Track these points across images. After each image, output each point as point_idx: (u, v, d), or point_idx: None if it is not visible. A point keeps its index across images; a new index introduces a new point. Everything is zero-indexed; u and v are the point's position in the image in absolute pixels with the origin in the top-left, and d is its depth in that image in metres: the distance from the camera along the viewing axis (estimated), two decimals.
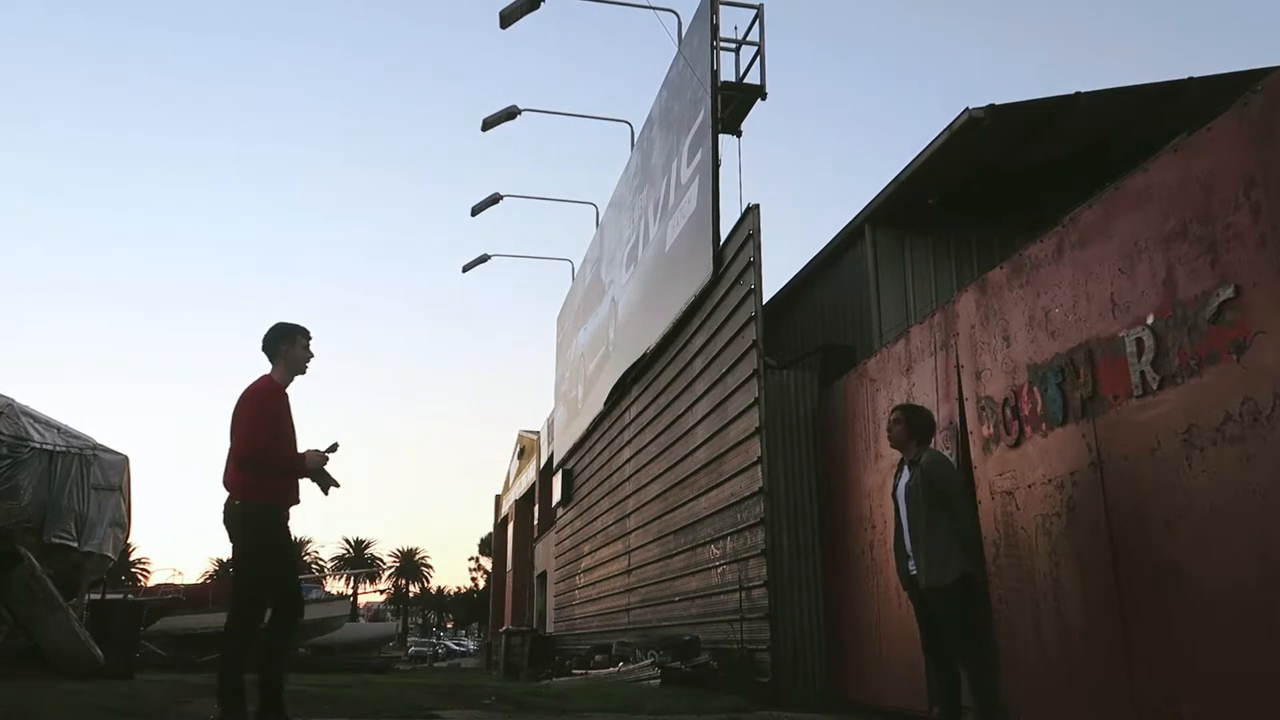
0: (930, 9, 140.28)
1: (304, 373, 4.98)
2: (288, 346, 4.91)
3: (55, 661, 9.26)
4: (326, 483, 4.88)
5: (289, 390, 4.94)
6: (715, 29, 10.44)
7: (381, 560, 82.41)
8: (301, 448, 4.87)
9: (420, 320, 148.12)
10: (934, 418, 5.49)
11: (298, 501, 4.85)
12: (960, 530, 4.98)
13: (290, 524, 4.86)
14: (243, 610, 4.68)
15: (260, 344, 4.93)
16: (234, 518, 4.69)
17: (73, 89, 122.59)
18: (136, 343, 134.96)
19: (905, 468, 5.20)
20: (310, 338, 5.00)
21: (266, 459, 4.70)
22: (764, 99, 10.50)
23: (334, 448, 4.89)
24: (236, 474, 4.72)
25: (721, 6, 10.53)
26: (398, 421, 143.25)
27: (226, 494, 4.74)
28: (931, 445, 5.34)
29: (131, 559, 58.77)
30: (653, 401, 12.09)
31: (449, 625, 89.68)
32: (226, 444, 4.79)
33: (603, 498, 14.79)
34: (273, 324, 4.96)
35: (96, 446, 11.98)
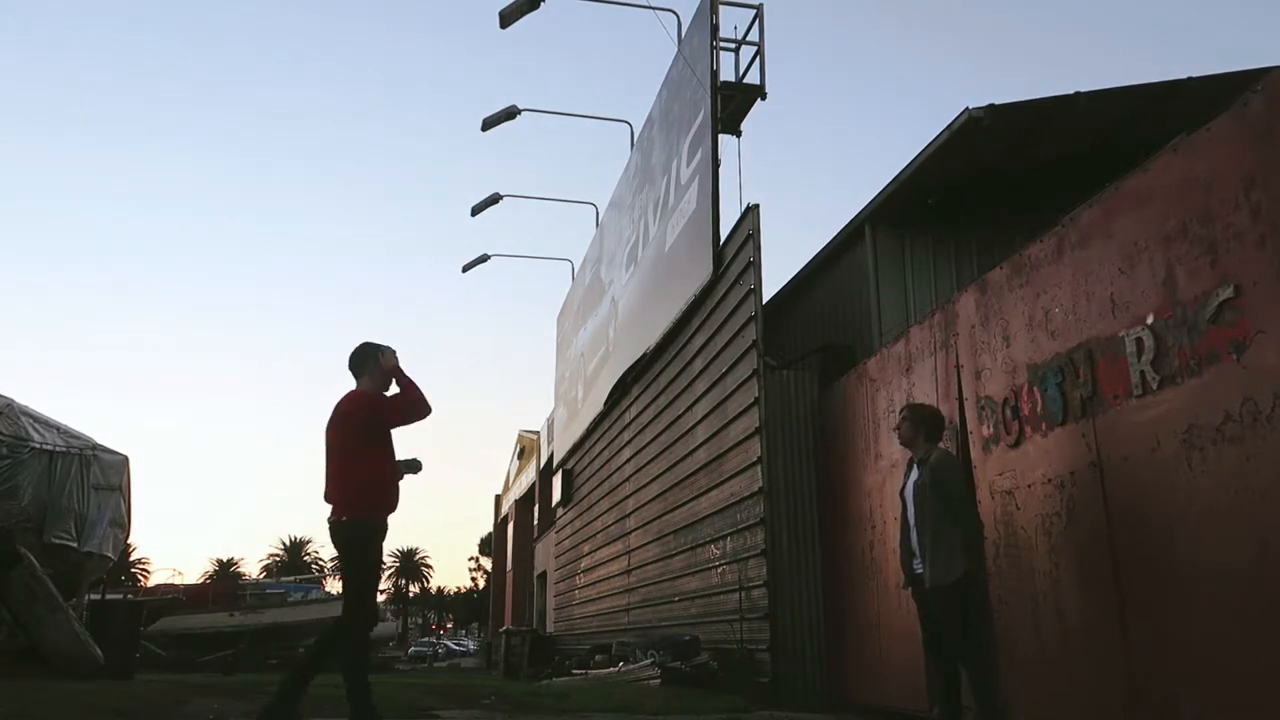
0: (931, 9, 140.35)
1: (388, 390, 5.09)
2: (374, 364, 5.05)
3: (55, 661, 9.26)
4: (413, 468, 5.16)
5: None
6: (715, 29, 10.44)
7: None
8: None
9: (420, 320, 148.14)
10: (941, 415, 5.51)
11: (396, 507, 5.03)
12: (964, 530, 5.00)
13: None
14: (357, 620, 4.82)
15: (347, 361, 5.09)
16: (343, 535, 4.82)
17: (69, 88, 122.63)
18: (137, 342, 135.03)
19: (914, 466, 5.22)
20: (395, 354, 5.13)
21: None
22: (764, 99, 10.50)
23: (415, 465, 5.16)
24: (346, 490, 4.84)
25: (721, 6, 10.54)
26: None
27: (333, 511, 4.84)
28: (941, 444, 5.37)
29: (131, 559, 58.73)
30: (653, 401, 12.10)
31: (449, 625, 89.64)
32: (325, 461, 4.96)
33: (603, 498, 14.79)
34: (360, 343, 5.12)
35: (96, 446, 11.98)
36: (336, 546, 4.89)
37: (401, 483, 5.05)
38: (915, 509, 5.13)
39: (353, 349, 5.12)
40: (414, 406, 5.01)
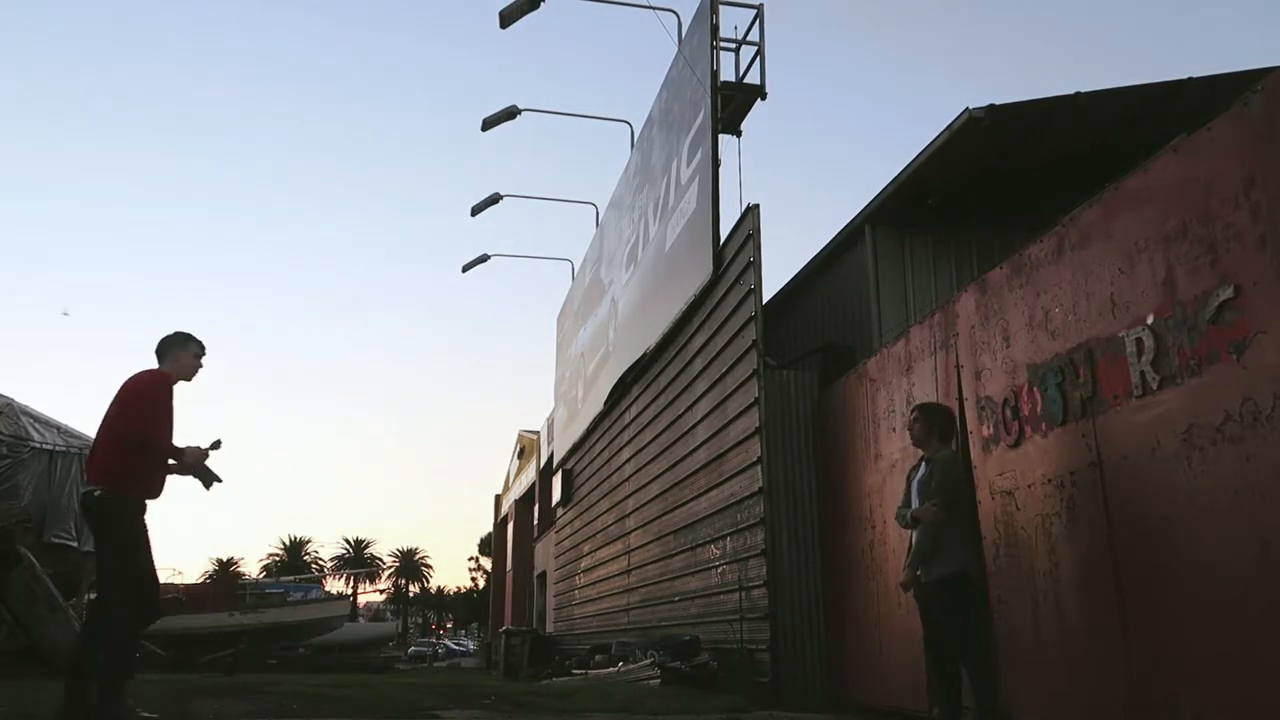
0: (931, 8, 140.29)
1: (189, 380, 5.15)
2: (180, 351, 5.09)
3: (55, 661, 9.26)
4: (209, 478, 5.01)
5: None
6: (715, 29, 10.44)
7: (381, 560, 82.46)
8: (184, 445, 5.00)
9: (420, 320, 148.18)
10: (954, 416, 5.55)
11: (158, 495, 4.96)
12: (963, 528, 5.03)
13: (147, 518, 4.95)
14: (121, 605, 4.73)
15: (155, 346, 5.09)
16: (99, 509, 4.77)
17: (70, 90, 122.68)
18: (137, 343, 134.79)
19: (922, 464, 5.27)
20: (204, 351, 5.18)
21: (153, 443, 4.82)
22: (764, 99, 10.50)
23: (216, 444, 5.03)
24: (108, 460, 4.79)
25: (721, 6, 10.53)
26: (398, 421, 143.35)
27: (89, 483, 4.80)
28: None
29: None
30: (653, 401, 12.10)
31: (449, 625, 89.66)
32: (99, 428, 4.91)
33: (603, 498, 14.79)
34: (172, 330, 5.15)
35: None
36: (88, 520, 4.86)
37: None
38: (919, 505, 5.17)
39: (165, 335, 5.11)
40: (158, 445, 4.85)
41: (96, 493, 4.74)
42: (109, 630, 4.67)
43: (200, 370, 5.17)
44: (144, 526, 4.88)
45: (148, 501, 4.91)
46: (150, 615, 4.95)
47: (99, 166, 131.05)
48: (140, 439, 4.78)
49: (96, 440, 4.92)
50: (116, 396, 4.90)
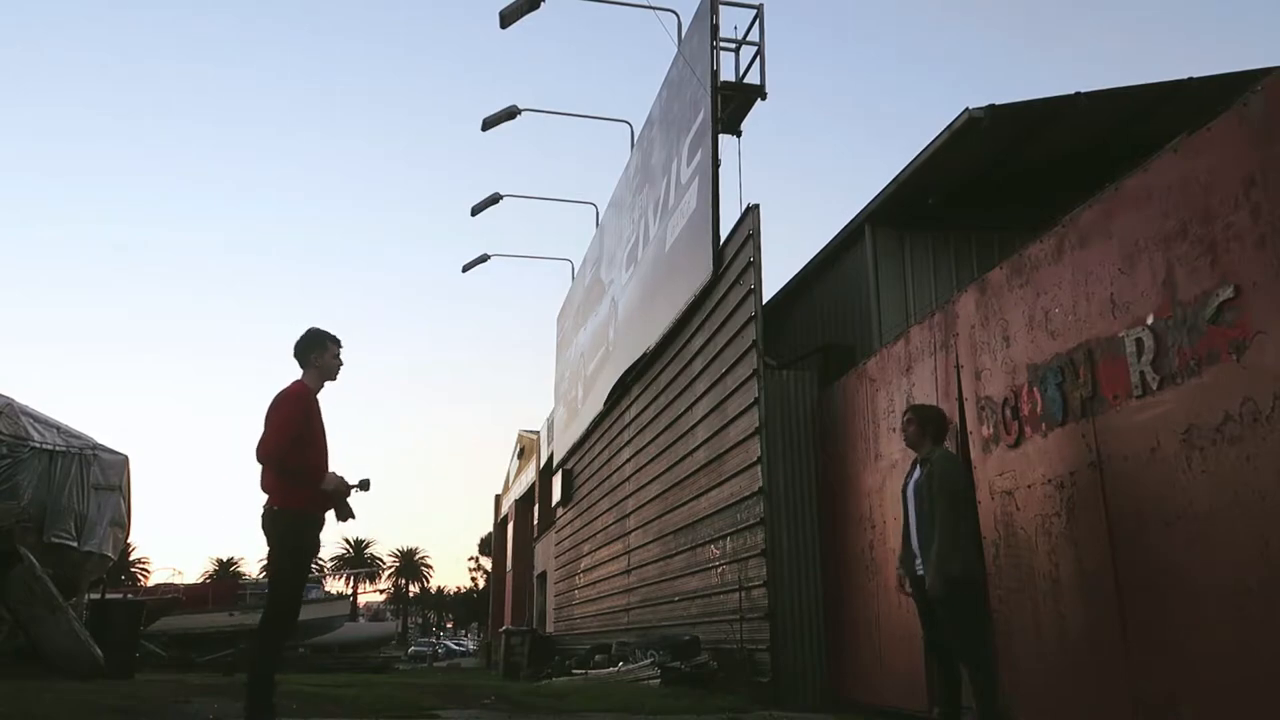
0: (931, 8, 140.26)
1: (334, 379, 5.07)
2: (318, 354, 4.98)
3: (55, 661, 9.25)
4: (344, 512, 4.92)
5: (320, 397, 5.02)
6: (715, 29, 10.44)
7: (381, 560, 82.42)
8: (333, 462, 4.95)
9: (420, 320, 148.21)
10: (945, 415, 5.53)
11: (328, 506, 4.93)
12: (964, 529, 5.03)
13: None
14: (284, 615, 4.79)
15: (292, 350, 5.00)
16: (272, 524, 4.76)
17: (77, 78, 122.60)
18: (137, 343, 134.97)
19: (917, 466, 5.25)
20: (341, 346, 5.08)
21: (288, 464, 4.73)
22: (764, 99, 10.49)
23: (364, 485, 4.98)
24: (272, 480, 4.78)
25: (721, 6, 10.53)
26: (398, 421, 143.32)
27: (265, 498, 4.80)
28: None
29: (131, 559, 58.70)
30: (652, 401, 12.09)
31: (449, 625, 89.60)
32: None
33: (603, 498, 14.79)
34: (305, 330, 5.03)
35: (96, 446, 11.97)
36: (266, 534, 4.81)
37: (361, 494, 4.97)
38: (916, 508, 5.15)
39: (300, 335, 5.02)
40: (295, 465, 4.76)
41: (274, 509, 4.75)
42: (264, 632, 4.79)
43: (341, 366, 5.06)
44: (314, 538, 4.87)
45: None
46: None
47: (98, 167, 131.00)
48: (276, 462, 4.73)
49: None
50: (266, 413, 4.82)
